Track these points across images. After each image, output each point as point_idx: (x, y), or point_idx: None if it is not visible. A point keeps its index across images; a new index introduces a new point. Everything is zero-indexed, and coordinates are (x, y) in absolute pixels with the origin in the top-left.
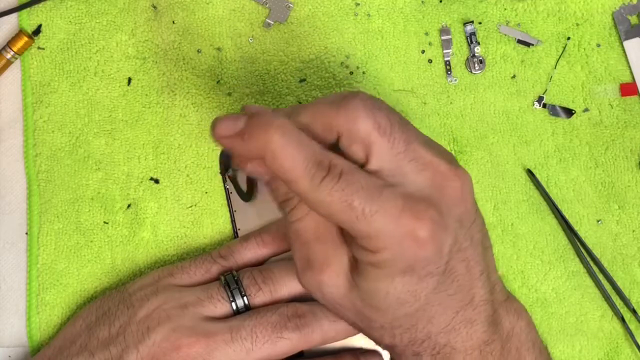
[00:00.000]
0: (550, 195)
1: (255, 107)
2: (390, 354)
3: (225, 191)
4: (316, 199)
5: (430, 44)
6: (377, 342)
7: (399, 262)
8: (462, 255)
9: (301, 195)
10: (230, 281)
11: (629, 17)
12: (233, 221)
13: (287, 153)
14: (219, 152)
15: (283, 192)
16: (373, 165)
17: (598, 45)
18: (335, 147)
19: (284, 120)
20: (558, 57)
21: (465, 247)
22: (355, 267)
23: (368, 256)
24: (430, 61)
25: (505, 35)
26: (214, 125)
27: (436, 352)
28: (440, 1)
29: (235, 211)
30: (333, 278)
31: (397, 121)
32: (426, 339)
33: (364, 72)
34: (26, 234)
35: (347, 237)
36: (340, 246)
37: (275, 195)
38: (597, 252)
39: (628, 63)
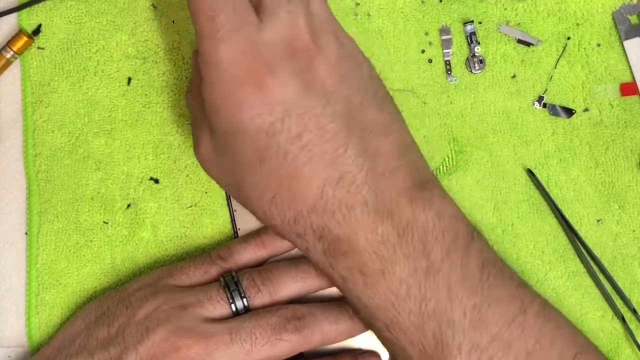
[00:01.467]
0: (551, 195)
1: None
2: (280, 232)
3: (225, 191)
4: None
5: (430, 43)
6: (263, 221)
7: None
8: (309, 119)
9: None
10: (230, 282)
11: (629, 17)
12: (233, 221)
13: None
14: None
15: None
16: None
17: (598, 45)
18: None
19: None
20: (558, 57)
21: (313, 112)
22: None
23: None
24: (430, 61)
25: (506, 35)
26: None
27: (318, 236)
28: (440, 1)
29: (235, 211)
30: (203, 144)
31: None
32: (299, 218)
33: None
34: (26, 233)
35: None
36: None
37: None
38: (597, 252)
39: (628, 63)
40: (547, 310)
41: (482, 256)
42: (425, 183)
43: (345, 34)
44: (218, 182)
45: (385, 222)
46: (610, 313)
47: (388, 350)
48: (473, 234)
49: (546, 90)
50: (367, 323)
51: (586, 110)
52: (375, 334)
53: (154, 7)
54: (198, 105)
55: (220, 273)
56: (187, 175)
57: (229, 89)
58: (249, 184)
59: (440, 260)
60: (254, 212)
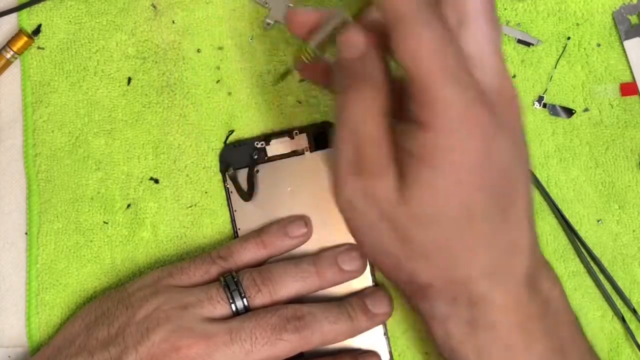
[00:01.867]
0: (550, 195)
1: None
2: (420, 305)
3: (225, 190)
4: (416, 32)
5: None
6: (410, 283)
7: (452, 155)
8: (512, 186)
9: (400, 21)
10: (230, 282)
11: (629, 17)
12: (233, 221)
13: None
14: (219, 152)
15: (360, 72)
16: (463, 38)
17: (598, 45)
18: None
19: None
20: (558, 57)
21: (515, 178)
22: (403, 177)
23: (421, 139)
24: None
25: (505, 35)
26: None
27: (473, 302)
28: None
29: (235, 211)
30: (385, 186)
31: (499, 23)
32: (466, 282)
33: None
34: (26, 233)
35: (398, 134)
36: (392, 160)
37: (348, 75)
38: (597, 252)
39: (628, 63)
40: None
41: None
42: (546, 261)
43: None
44: (362, 230)
45: (535, 294)
46: (610, 313)
47: None
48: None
49: (546, 90)
50: None
51: (586, 110)
52: None
53: (154, 7)
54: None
55: (221, 273)
56: (187, 175)
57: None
58: (432, 241)
59: (569, 341)
60: (405, 269)
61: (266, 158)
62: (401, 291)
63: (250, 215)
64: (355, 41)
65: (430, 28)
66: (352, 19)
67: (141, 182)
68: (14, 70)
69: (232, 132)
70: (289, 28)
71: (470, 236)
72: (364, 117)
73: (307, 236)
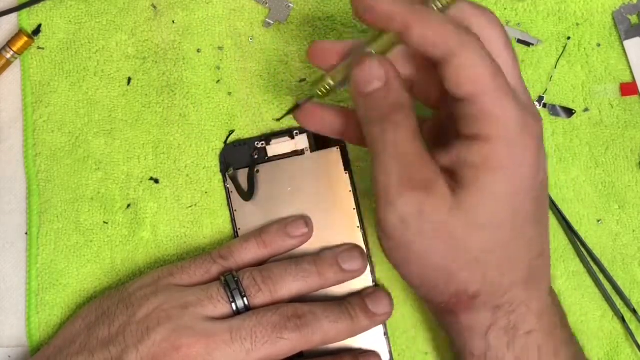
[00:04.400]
0: (550, 195)
1: None
2: (462, 317)
3: (226, 190)
4: (466, 61)
5: None
6: (458, 295)
7: (509, 162)
8: (544, 195)
9: (449, 54)
10: (230, 282)
11: (629, 17)
12: (233, 221)
13: (435, 17)
14: (219, 152)
15: (388, 104)
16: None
17: (598, 45)
18: None
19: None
20: (558, 57)
21: (544, 188)
22: (457, 185)
23: (479, 149)
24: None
25: None
26: None
27: (512, 310)
28: None
29: (235, 211)
30: (438, 198)
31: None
32: (509, 290)
33: None
34: (26, 234)
35: (445, 152)
36: (440, 174)
37: (377, 108)
38: (597, 252)
39: (628, 63)
40: None
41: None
42: None
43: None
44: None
45: (554, 298)
46: (610, 313)
47: None
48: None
49: (546, 90)
50: None
51: (586, 110)
52: None
53: (154, 7)
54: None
55: (221, 272)
56: (187, 175)
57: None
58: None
59: (578, 348)
60: (454, 279)
61: (266, 158)
62: (442, 307)
63: (251, 215)
64: (375, 74)
65: (481, 54)
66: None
67: (141, 182)
68: (14, 70)
69: (232, 132)
70: (311, 59)
71: (517, 241)
72: (404, 140)
73: (308, 236)
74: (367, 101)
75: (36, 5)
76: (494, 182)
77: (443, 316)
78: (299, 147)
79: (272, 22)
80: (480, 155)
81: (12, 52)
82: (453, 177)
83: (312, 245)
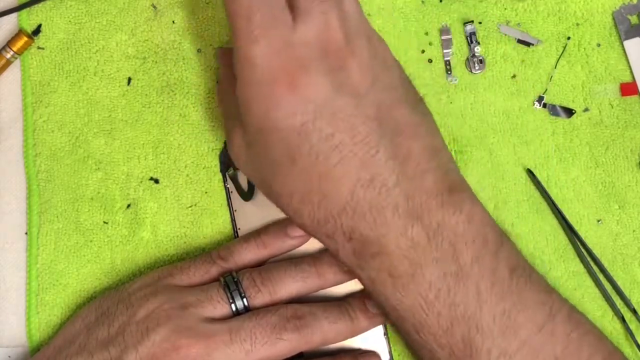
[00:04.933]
0: (550, 195)
1: None
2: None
3: (226, 190)
4: None
5: (430, 43)
6: (293, 220)
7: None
8: (341, 120)
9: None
10: (230, 282)
11: (629, 17)
12: (233, 221)
13: None
14: (219, 152)
15: None
16: None
17: (598, 45)
18: None
19: None
20: (558, 57)
21: (345, 112)
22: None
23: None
24: (430, 61)
25: (505, 35)
26: None
27: (348, 237)
28: (440, 1)
29: (235, 211)
30: (236, 141)
31: None
32: (329, 218)
33: None
34: (26, 234)
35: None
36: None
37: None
38: (597, 252)
39: (628, 63)
40: (575, 316)
41: (511, 262)
42: (455, 187)
43: (377, 35)
44: (250, 179)
45: (415, 225)
46: (610, 313)
47: (416, 354)
48: (502, 239)
49: (546, 90)
50: (395, 325)
51: (586, 110)
52: (403, 337)
53: (154, 7)
54: (230, 103)
55: (221, 273)
56: (187, 175)
57: (262, 87)
58: (279, 183)
59: (469, 265)
60: (284, 211)
61: None
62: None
63: (251, 215)
64: None
65: None
66: None
67: (141, 182)
68: (14, 70)
69: None
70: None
71: (311, 172)
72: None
73: (307, 237)
74: None
75: (36, 5)
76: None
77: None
78: None
79: None
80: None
81: (12, 52)
82: None
83: (311, 245)
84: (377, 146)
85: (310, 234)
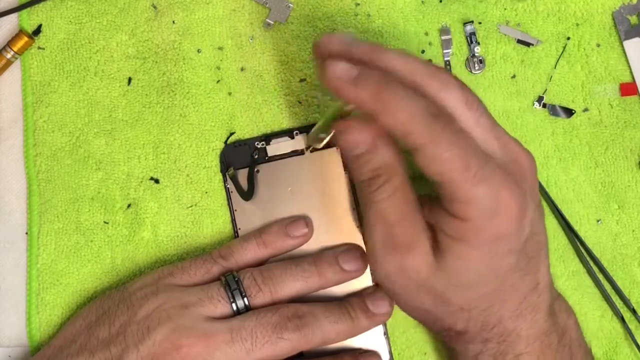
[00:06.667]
0: (550, 195)
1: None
2: (454, 344)
3: (226, 190)
4: (434, 152)
5: (430, 44)
6: (447, 330)
7: (486, 235)
8: (536, 235)
9: (417, 147)
10: (231, 282)
11: (629, 17)
12: (233, 220)
13: (403, 105)
14: (219, 152)
15: (372, 168)
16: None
17: (598, 45)
18: None
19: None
20: (558, 57)
21: (537, 227)
22: (438, 247)
23: (456, 226)
24: (430, 61)
25: (505, 35)
26: (329, 66)
27: (503, 339)
28: (440, 1)
29: (235, 210)
30: (418, 259)
31: (480, 100)
32: (497, 324)
33: None
34: (26, 233)
35: (430, 212)
36: (423, 228)
37: (362, 172)
38: (597, 252)
39: (628, 63)
40: None
41: None
42: (557, 292)
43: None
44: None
45: (553, 325)
46: (609, 313)
47: None
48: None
49: (546, 90)
50: None
51: (586, 110)
52: None
53: (154, 7)
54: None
55: (221, 272)
56: (187, 175)
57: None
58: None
59: None
60: (443, 322)
61: (266, 158)
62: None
63: (251, 215)
64: (359, 139)
65: (450, 142)
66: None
67: (141, 182)
68: (15, 70)
69: (232, 133)
70: (328, 76)
71: (501, 289)
72: (387, 203)
73: (308, 236)
74: (355, 163)
75: (36, 6)
76: (470, 251)
77: (439, 337)
78: (299, 147)
79: (272, 22)
80: (455, 230)
81: (12, 52)
82: (435, 238)
83: (312, 245)
84: (546, 252)
85: (459, 337)
